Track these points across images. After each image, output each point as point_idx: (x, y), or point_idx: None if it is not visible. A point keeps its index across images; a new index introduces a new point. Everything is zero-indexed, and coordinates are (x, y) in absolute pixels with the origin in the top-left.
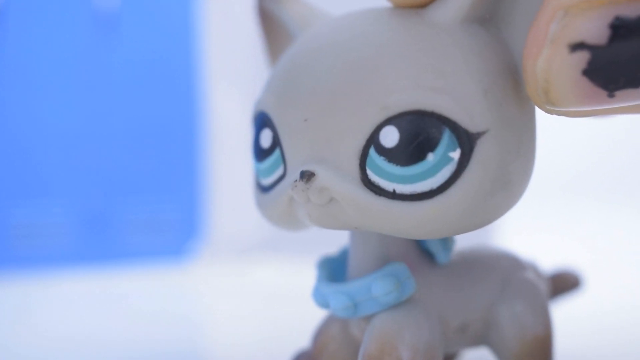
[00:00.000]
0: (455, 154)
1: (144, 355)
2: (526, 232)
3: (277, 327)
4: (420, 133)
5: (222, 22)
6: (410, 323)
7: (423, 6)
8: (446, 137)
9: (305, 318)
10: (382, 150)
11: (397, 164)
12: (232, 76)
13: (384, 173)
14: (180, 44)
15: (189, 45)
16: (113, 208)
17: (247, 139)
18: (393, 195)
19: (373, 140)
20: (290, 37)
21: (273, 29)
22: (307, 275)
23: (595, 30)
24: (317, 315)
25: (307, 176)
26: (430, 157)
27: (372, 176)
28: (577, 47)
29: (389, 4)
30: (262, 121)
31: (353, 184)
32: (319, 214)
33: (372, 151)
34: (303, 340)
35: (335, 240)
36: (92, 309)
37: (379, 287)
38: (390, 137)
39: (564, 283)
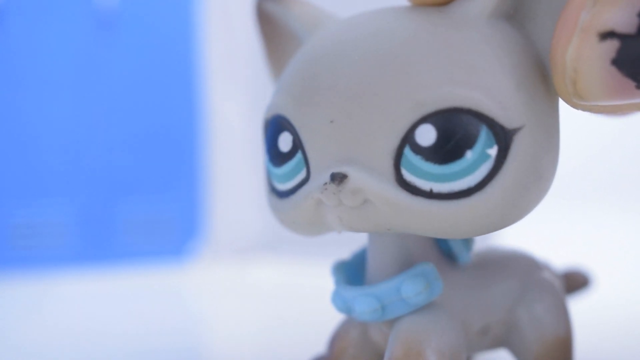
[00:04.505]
0: (493, 151)
1: (144, 356)
2: (527, 232)
3: (277, 327)
4: (457, 131)
5: (222, 21)
6: (436, 326)
7: (444, 4)
8: (483, 134)
9: (305, 317)
10: (418, 149)
11: (435, 163)
12: (232, 76)
13: (420, 172)
14: (180, 43)
15: (188, 45)
16: (113, 208)
17: (248, 139)
18: (430, 195)
19: (408, 139)
20: (294, 39)
21: (275, 32)
22: (307, 275)
23: (624, 19)
24: (317, 314)
25: (338, 178)
26: (469, 154)
27: (408, 176)
28: (606, 35)
29: (406, 3)
30: (278, 125)
31: (388, 184)
32: (350, 216)
33: (407, 150)
34: (303, 340)
35: (336, 241)
36: (92, 309)
37: (409, 288)
38: (426, 135)
39: (574, 282)
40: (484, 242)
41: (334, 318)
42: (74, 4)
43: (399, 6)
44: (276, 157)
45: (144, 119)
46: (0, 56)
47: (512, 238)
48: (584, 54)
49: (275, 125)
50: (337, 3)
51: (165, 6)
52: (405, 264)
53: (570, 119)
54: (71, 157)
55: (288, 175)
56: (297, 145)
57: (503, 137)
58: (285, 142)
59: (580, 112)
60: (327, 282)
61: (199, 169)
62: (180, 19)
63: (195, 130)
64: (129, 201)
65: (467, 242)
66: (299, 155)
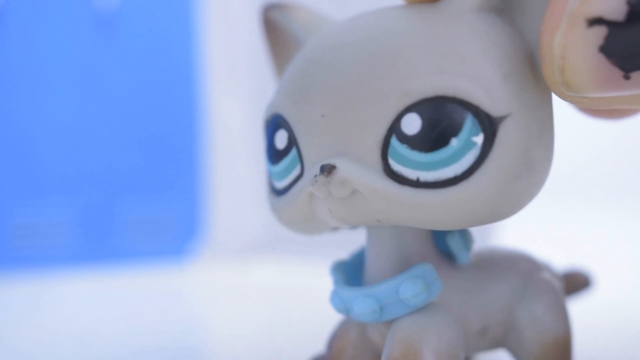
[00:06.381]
0: (479, 139)
1: (144, 355)
2: (527, 232)
3: (276, 327)
4: (442, 118)
5: (222, 21)
6: (434, 327)
7: (435, 0)
8: (469, 121)
9: (304, 317)
10: (404, 138)
11: (420, 151)
12: (232, 75)
13: (406, 161)
14: (180, 43)
15: (188, 45)
16: (113, 208)
17: (247, 139)
18: (417, 184)
19: (394, 128)
20: (296, 44)
21: (279, 38)
22: (307, 275)
23: (613, 5)
24: (316, 314)
25: (327, 170)
26: (454, 142)
27: (395, 165)
28: (594, 22)
29: (401, 3)
30: (276, 123)
31: (375, 174)
32: (340, 208)
33: (393, 140)
34: (302, 340)
35: (335, 241)
36: (92, 309)
37: (408, 289)
38: (412, 124)
39: (574, 283)
40: (483, 242)
41: (333, 318)
42: (74, 4)
43: (394, 6)
44: (273, 155)
45: (144, 119)
46: (0, 56)
47: (512, 238)
48: (571, 39)
49: (273, 124)
50: (338, 4)
51: (165, 6)
52: (403, 265)
53: (571, 119)
54: (71, 157)
55: (284, 172)
56: (292, 141)
57: (489, 125)
58: (281, 139)
59: (577, 109)
60: (326, 282)
61: (199, 169)
62: (180, 19)
63: (195, 130)
64: (129, 201)
65: (466, 242)
66: (293, 151)
